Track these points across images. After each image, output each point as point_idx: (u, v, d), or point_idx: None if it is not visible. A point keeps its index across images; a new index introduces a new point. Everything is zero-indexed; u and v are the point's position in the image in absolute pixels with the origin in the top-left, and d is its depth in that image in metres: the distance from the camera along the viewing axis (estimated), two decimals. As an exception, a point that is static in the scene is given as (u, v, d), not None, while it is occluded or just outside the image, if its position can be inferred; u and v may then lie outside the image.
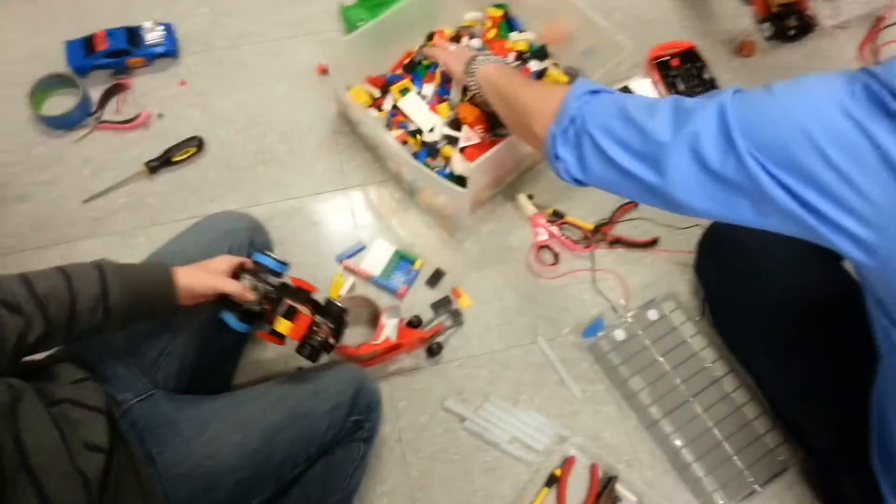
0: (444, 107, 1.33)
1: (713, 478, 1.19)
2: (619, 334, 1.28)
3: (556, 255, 1.35)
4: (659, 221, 1.38)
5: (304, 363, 0.98)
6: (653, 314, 1.30)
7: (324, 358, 0.99)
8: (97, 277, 0.82)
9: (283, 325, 0.94)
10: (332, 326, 1.00)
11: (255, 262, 0.99)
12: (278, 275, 1.00)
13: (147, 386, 0.94)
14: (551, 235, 1.36)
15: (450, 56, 1.25)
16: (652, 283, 1.34)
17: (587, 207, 1.40)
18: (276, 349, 1.22)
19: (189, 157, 1.37)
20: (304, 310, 0.97)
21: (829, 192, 0.65)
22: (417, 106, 1.34)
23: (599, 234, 1.37)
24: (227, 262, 0.96)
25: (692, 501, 1.18)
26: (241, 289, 0.93)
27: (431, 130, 1.32)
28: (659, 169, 0.76)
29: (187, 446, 0.89)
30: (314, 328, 0.97)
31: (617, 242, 1.37)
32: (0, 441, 0.68)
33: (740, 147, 0.68)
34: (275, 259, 0.99)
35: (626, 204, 1.39)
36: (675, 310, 1.31)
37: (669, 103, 0.77)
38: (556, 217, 1.37)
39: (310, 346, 0.96)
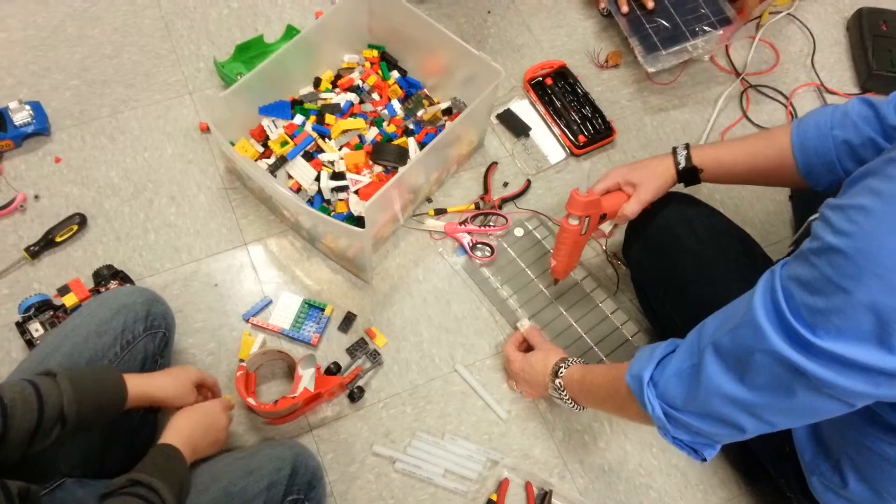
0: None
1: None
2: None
3: (491, 247, 1.39)
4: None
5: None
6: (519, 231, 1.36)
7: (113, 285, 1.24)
8: (54, 385, 0.82)
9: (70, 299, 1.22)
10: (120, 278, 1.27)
11: None
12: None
13: (52, 475, 0.88)
14: (474, 231, 1.40)
15: (528, 387, 1.21)
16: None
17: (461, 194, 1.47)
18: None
19: (72, 235, 1.31)
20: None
21: None
22: (300, 166, 1.35)
23: (486, 206, 1.43)
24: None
25: (625, 502, 1.20)
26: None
27: (317, 181, 1.33)
28: (757, 416, 0.78)
29: None
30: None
31: (504, 202, 1.46)
32: None
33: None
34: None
35: (490, 166, 1.48)
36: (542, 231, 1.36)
37: (715, 363, 0.78)
38: (440, 212, 1.42)
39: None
